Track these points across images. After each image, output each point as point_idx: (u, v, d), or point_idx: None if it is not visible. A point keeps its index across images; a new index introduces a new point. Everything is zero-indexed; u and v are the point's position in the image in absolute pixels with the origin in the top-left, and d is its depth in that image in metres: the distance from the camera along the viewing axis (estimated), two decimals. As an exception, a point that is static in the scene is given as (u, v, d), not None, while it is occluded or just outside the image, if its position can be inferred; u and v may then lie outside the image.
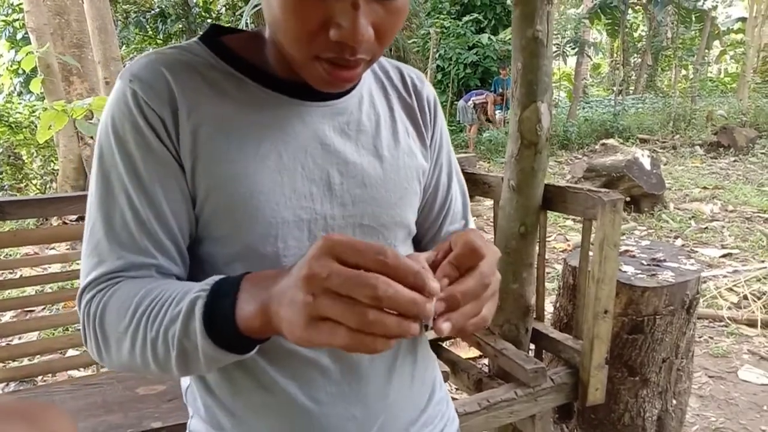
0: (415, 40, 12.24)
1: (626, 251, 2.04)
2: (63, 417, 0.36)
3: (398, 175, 0.77)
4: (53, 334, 2.31)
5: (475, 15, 11.38)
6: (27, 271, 3.18)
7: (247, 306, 0.54)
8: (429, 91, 0.84)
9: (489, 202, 2.11)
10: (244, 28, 0.77)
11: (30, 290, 2.85)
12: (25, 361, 2.06)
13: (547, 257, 2.00)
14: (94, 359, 0.66)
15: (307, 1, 0.58)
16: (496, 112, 10.66)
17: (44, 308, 3.04)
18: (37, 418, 0.33)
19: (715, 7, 14.65)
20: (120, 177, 0.65)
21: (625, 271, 1.87)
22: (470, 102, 10.37)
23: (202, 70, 0.69)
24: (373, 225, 0.74)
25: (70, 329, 2.57)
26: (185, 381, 0.80)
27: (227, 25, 0.77)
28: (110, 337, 0.63)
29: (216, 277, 0.59)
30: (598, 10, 12.57)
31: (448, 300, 0.52)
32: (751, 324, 3.27)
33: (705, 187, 6.83)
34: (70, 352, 2.06)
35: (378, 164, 0.75)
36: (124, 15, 13.18)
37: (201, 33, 0.75)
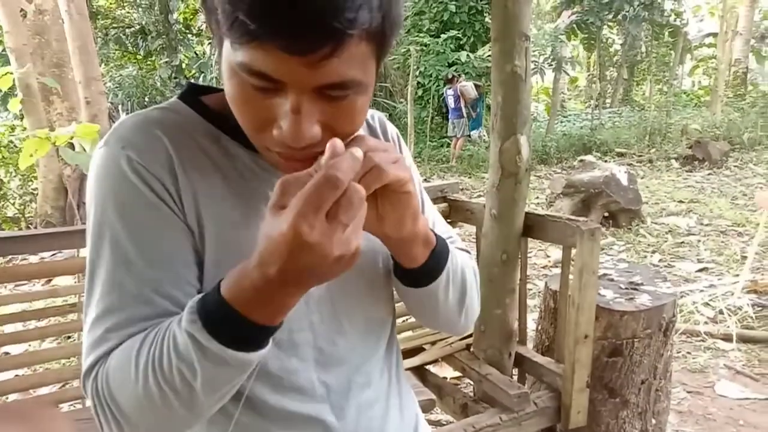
0: (396, 57, 12.37)
1: (605, 275, 2.10)
2: (60, 417, 0.37)
3: None
4: (35, 370, 2.29)
5: (454, 32, 11.55)
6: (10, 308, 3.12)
7: (230, 278, 0.56)
8: (392, 129, 0.87)
9: (472, 228, 2.17)
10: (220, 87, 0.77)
11: (9, 327, 2.79)
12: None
13: (528, 273, 2.05)
14: None
15: (252, 100, 0.57)
16: (473, 131, 10.85)
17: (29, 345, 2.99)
18: (34, 419, 0.34)
19: (686, 24, 15.02)
20: (124, 249, 0.63)
21: (603, 295, 1.93)
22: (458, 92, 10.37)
23: (190, 131, 0.68)
24: (354, 272, 0.76)
25: (57, 364, 2.53)
26: None
27: (205, 85, 0.78)
28: (122, 396, 0.60)
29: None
30: (574, 26, 12.86)
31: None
32: (727, 338, 3.35)
33: (681, 201, 6.98)
34: (44, 390, 2.03)
35: None
36: (104, 32, 13.10)
37: (179, 92, 0.75)
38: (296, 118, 0.56)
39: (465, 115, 10.46)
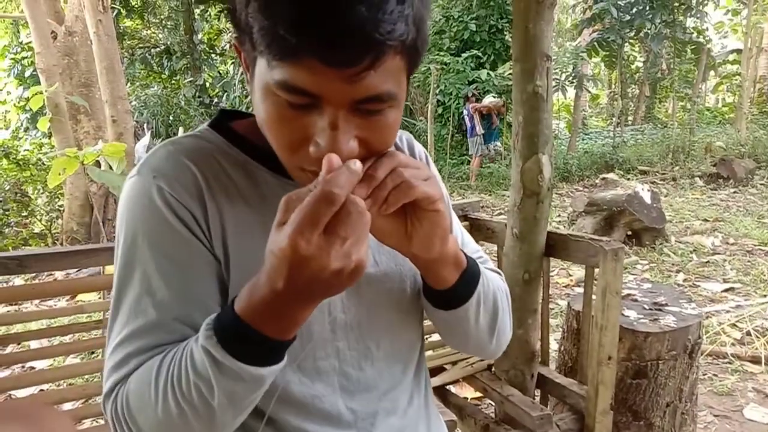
0: (416, 75, 12.42)
1: (628, 295, 2.07)
2: (62, 417, 0.37)
3: None
4: (59, 385, 2.31)
5: (474, 51, 11.60)
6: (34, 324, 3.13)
7: (243, 295, 0.57)
8: (420, 149, 0.88)
9: (493, 247, 2.16)
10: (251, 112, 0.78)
11: (35, 343, 2.81)
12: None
13: (550, 293, 2.03)
14: None
15: (288, 119, 0.58)
16: (491, 145, 10.80)
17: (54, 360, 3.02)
18: (35, 418, 0.34)
19: (709, 41, 14.89)
20: (150, 278, 0.64)
21: (627, 316, 1.91)
22: (472, 109, 10.35)
23: (219, 159, 0.69)
24: (382, 297, 0.76)
25: (81, 379, 2.54)
26: None
27: (235, 110, 0.79)
28: (142, 416, 0.60)
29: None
30: (595, 44, 12.83)
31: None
32: (755, 361, 3.27)
33: (706, 220, 6.87)
34: (67, 405, 2.04)
35: None
36: (130, 52, 13.41)
37: (210, 119, 0.76)
38: (334, 133, 0.56)
39: (479, 132, 10.43)
